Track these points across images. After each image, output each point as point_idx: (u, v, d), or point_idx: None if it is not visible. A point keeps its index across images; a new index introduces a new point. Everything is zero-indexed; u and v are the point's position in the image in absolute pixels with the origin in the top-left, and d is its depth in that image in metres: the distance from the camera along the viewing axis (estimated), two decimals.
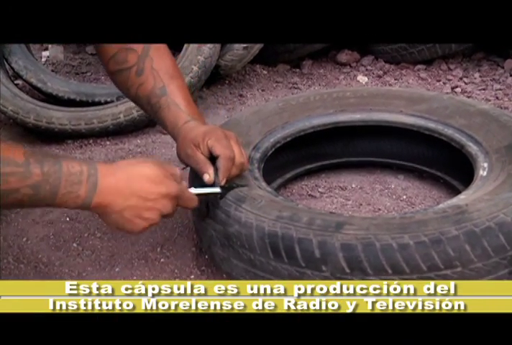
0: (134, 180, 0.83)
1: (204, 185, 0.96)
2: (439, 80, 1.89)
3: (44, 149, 0.82)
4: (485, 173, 1.05)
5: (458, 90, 1.81)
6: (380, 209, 1.27)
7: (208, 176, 0.95)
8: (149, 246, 1.18)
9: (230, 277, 1.01)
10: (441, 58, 1.98)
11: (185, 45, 1.66)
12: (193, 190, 0.94)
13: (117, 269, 1.13)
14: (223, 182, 0.96)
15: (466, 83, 1.86)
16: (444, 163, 1.28)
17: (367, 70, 2.02)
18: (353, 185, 1.37)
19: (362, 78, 1.98)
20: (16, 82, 1.91)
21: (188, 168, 1.06)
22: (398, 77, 1.94)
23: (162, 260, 1.14)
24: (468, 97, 1.76)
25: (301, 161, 1.37)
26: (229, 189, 0.99)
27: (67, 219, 1.30)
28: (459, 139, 1.16)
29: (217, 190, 0.95)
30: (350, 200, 1.31)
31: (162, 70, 1.04)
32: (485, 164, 1.07)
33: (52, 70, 2.20)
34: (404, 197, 1.30)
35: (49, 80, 1.82)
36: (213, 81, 1.94)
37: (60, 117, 1.63)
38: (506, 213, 0.88)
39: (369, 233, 0.86)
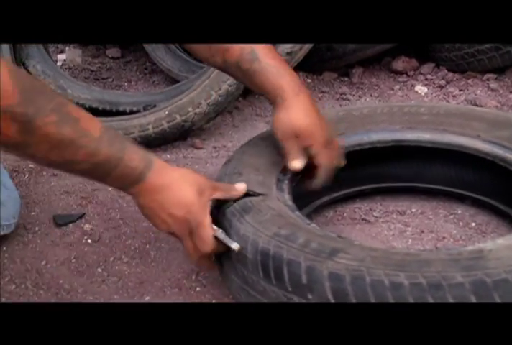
0: (169, 198, 0.99)
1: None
2: None
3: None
4: None
5: None
6: (444, 237, 1.29)
7: (298, 163, 1.13)
8: (183, 273, 1.23)
9: (230, 292, 1.09)
10: None
11: None
12: (215, 232, 1.00)
13: (147, 297, 1.18)
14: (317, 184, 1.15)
15: None
16: None
17: (426, 79, 2.06)
18: (413, 210, 1.40)
19: (421, 89, 2.02)
20: None
21: None
22: (463, 87, 1.97)
23: (197, 289, 1.19)
24: None
25: (353, 181, 1.40)
26: (244, 196, 1.08)
27: (89, 241, 1.36)
28: None
29: (236, 246, 0.99)
30: (410, 226, 1.34)
31: None
32: None
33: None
34: (473, 224, 1.32)
35: (70, 87, 1.91)
36: (250, 90, 1.99)
37: None
38: None
39: (362, 265, 0.88)
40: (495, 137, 1.24)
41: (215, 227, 1.01)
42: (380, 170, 1.38)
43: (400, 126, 1.32)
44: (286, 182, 1.17)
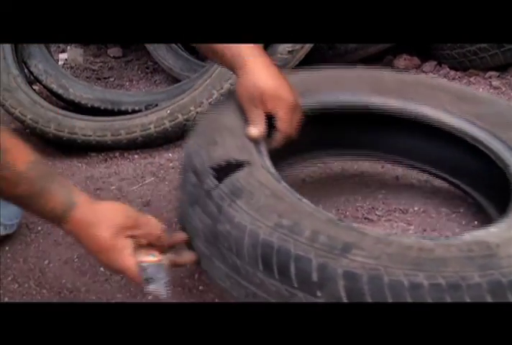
0: (89, 240, 0.95)
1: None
2: None
3: (48, 165, 0.88)
4: None
5: None
6: (447, 236, 1.29)
7: (255, 131, 1.08)
8: (186, 272, 1.23)
9: (208, 276, 1.04)
10: None
11: None
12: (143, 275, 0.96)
13: (150, 296, 1.17)
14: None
15: None
16: (483, 182, 1.25)
17: None
18: (415, 208, 1.39)
19: None
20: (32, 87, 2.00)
21: None
22: (465, 85, 1.96)
23: (200, 288, 1.19)
24: None
25: (317, 144, 1.37)
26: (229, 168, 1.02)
27: None
28: (503, 155, 1.13)
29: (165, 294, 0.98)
30: (412, 225, 1.34)
31: None
32: None
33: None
34: (475, 222, 1.32)
35: (72, 86, 1.91)
36: None
37: (83, 127, 1.71)
38: None
39: (379, 263, 0.85)
40: (462, 111, 1.21)
41: (145, 268, 0.96)
42: (341, 134, 1.36)
43: (368, 90, 1.28)
44: (263, 142, 1.11)
